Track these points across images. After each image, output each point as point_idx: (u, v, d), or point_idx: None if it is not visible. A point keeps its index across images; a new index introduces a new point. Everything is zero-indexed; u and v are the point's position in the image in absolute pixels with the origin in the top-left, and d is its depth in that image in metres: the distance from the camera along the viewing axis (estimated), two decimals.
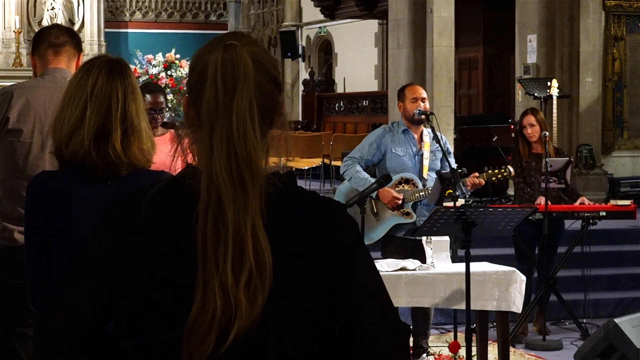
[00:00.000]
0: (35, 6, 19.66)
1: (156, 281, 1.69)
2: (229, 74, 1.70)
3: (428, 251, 6.09)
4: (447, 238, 6.26)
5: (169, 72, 18.37)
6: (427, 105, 6.56)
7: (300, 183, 14.06)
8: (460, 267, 5.89)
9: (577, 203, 7.73)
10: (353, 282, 1.74)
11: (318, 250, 1.72)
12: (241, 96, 1.69)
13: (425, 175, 6.50)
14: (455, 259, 6.58)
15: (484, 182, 6.47)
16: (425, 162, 6.52)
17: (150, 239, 1.70)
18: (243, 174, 1.67)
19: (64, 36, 4.06)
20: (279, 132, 1.79)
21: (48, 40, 4.02)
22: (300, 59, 21.00)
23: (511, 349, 6.77)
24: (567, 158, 7.83)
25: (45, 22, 19.41)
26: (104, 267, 1.74)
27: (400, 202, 6.41)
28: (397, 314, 1.79)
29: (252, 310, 1.64)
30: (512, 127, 11.55)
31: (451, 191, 6.11)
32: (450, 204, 6.07)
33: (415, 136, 6.56)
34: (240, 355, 1.67)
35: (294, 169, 14.20)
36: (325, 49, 21.15)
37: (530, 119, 7.71)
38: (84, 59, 3.61)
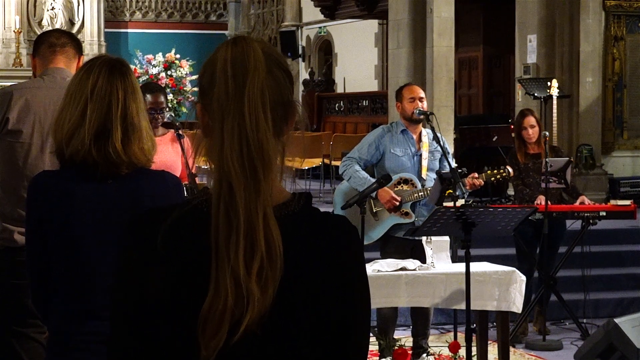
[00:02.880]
0: (35, 6, 19.67)
1: (175, 306, 1.70)
2: (239, 65, 1.68)
3: (428, 251, 6.09)
4: (447, 238, 6.26)
5: (169, 72, 18.37)
6: (425, 105, 6.56)
7: (300, 183, 14.06)
8: (460, 267, 5.90)
9: (578, 202, 7.73)
10: (343, 303, 1.73)
11: (325, 261, 1.72)
12: (252, 84, 1.67)
13: (424, 175, 6.50)
14: (455, 259, 6.59)
15: (482, 183, 6.47)
16: (424, 163, 6.52)
17: (166, 269, 1.70)
18: (255, 162, 1.65)
19: (65, 38, 4.08)
20: (297, 133, 1.77)
21: (49, 41, 4.05)
22: (300, 59, 21.00)
23: (511, 349, 6.78)
24: (567, 158, 7.83)
25: (45, 22, 19.41)
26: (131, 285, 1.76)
27: (398, 203, 6.41)
28: (367, 343, 1.81)
29: (263, 300, 1.63)
30: (512, 127, 11.56)
31: (451, 191, 6.11)
32: (450, 204, 6.07)
33: (414, 136, 6.56)
34: (252, 346, 1.67)
35: (294, 168, 14.19)
36: (325, 49, 21.16)
37: (531, 120, 7.70)
38: (84, 59, 3.62)
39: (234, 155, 1.65)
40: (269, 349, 1.69)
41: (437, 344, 7.21)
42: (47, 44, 4.03)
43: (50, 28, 19.29)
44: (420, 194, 6.42)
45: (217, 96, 1.69)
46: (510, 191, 10.69)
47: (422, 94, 6.60)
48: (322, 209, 1.80)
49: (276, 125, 1.70)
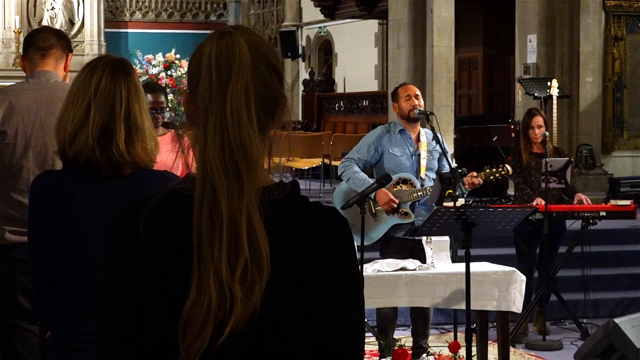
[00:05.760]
0: (35, 6, 19.66)
1: (159, 296, 1.67)
2: (224, 61, 1.66)
3: (428, 251, 6.09)
4: (447, 238, 6.26)
5: (169, 72, 18.38)
6: (422, 102, 6.56)
7: (300, 183, 14.06)
8: (460, 267, 5.90)
9: (575, 200, 7.73)
10: (335, 296, 1.71)
11: (315, 253, 1.69)
12: (236, 82, 1.64)
13: (422, 175, 6.50)
14: (455, 259, 6.59)
15: (482, 181, 6.47)
16: (423, 162, 6.52)
17: (151, 256, 1.67)
18: (237, 162, 1.63)
19: (52, 39, 4.13)
20: (284, 132, 1.75)
21: (36, 44, 4.12)
22: (300, 59, 21.00)
23: (511, 349, 6.78)
24: (567, 158, 7.84)
25: (45, 22, 19.40)
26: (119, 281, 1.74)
27: (396, 205, 6.41)
28: (363, 339, 1.80)
29: (248, 303, 1.61)
30: (512, 127, 11.56)
31: (451, 191, 6.11)
32: (450, 204, 6.07)
33: (413, 136, 6.56)
34: (238, 350, 1.64)
35: (293, 168, 14.21)
36: (325, 49, 21.16)
37: (539, 120, 7.68)
38: (85, 59, 3.66)
39: (216, 155, 1.63)
40: (260, 347, 1.66)
41: (437, 344, 7.21)
42: (34, 47, 4.11)
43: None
44: (419, 193, 6.42)
45: (201, 94, 1.67)
46: (511, 191, 10.70)
47: (418, 92, 6.60)
48: None
49: (261, 122, 1.68)
